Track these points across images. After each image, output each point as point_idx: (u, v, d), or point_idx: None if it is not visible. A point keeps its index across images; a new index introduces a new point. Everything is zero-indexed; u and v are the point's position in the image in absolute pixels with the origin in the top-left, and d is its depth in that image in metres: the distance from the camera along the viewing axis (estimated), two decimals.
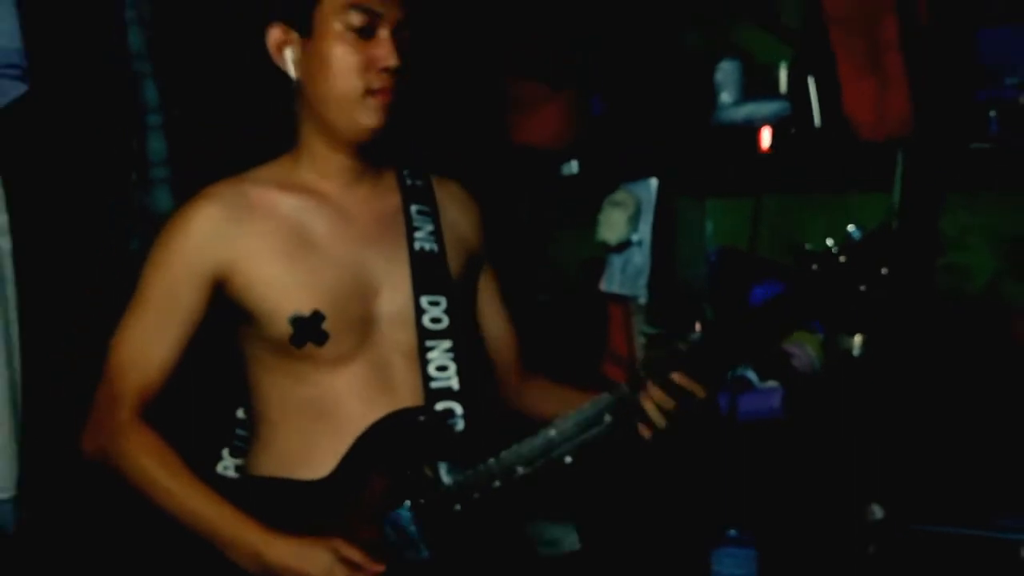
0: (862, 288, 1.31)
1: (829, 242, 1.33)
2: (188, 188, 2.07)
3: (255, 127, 2.17)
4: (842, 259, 1.30)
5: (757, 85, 2.40)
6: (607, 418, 1.40)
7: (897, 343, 2.19)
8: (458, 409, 1.49)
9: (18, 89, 1.85)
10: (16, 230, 1.87)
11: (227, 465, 1.63)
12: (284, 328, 1.46)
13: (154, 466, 1.43)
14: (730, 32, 2.54)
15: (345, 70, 1.45)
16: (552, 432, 1.41)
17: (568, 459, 1.40)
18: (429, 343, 1.51)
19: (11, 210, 1.88)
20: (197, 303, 1.47)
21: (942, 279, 2.33)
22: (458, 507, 1.43)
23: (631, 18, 2.55)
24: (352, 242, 1.52)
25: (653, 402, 1.38)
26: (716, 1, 2.56)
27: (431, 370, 1.50)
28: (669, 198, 2.48)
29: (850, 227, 1.34)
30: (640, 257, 2.44)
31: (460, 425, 1.49)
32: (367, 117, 1.47)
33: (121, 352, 1.48)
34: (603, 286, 2.53)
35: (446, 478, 1.45)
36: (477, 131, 2.50)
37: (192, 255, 1.47)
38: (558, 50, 2.51)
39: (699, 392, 1.38)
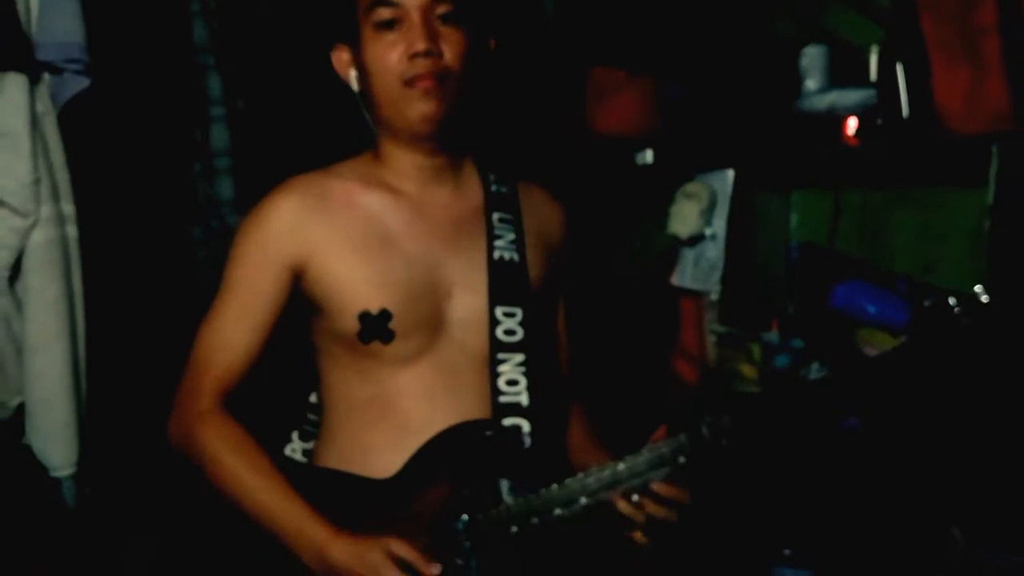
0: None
1: (952, 300, 1.28)
2: (250, 177, 2.15)
3: (316, 118, 2.20)
4: (965, 322, 1.28)
5: (846, 71, 2.26)
6: (681, 459, 1.36)
7: (988, 353, 2.04)
8: (526, 426, 1.46)
9: (81, 83, 1.89)
10: (82, 219, 1.93)
11: (295, 448, 1.65)
12: (352, 324, 1.46)
13: (231, 456, 1.44)
14: (821, 15, 2.39)
15: (383, 68, 1.46)
16: (621, 466, 1.38)
17: (634, 497, 1.38)
18: (501, 355, 1.49)
19: (77, 200, 1.93)
20: (277, 293, 1.48)
21: None
22: (514, 529, 1.40)
23: (717, 2, 2.46)
24: (428, 241, 1.51)
25: None
26: None
27: (500, 383, 1.48)
28: (748, 190, 2.38)
29: (977, 288, 1.28)
30: (714, 251, 2.36)
31: (527, 443, 1.45)
32: (412, 108, 1.46)
33: (205, 342, 1.49)
34: (675, 280, 2.46)
35: (507, 498, 1.43)
36: (552, 119, 2.46)
37: (272, 246, 1.48)
38: (637, 35, 2.44)
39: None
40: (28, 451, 1.94)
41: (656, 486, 1.37)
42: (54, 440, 1.92)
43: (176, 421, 1.50)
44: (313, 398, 1.64)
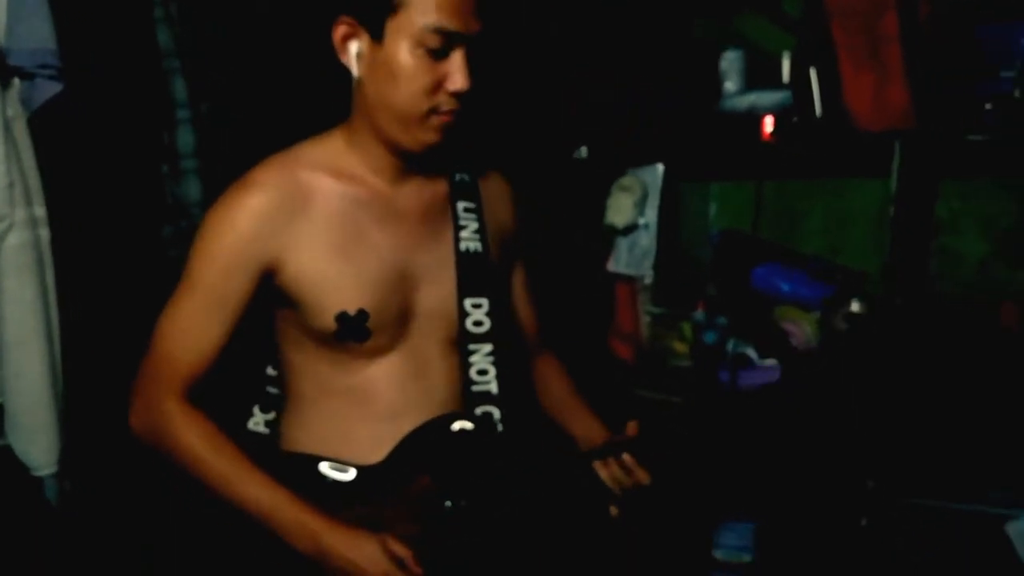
0: None
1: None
2: (216, 178, 2.19)
3: (280, 119, 2.25)
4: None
5: (761, 74, 2.45)
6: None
7: (891, 324, 2.28)
8: (496, 413, 1.52)
9: (53, 89, 1.89)
10: (54, 221, 1.93)
11: (258, 421, 1.64)
12: (329, 323, 1.47)
13: (208, 451, 1.43)
14: (736, 22, 2.57)
15: (414, 88, 1.42)
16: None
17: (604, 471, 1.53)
18: (471, 346, 1.53)
19: (49, 203, 1.94)
20: (246, 291, 1.46)
21: (935, 262, 2.41)
22: (499, 513, 1.47)
23: (642, 7, 2.60)
24: (399, 239, 1.52)
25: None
26: None
27: (472, 374, 1.53)
28: (674, 182, 2.54)
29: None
30: (646, 239, 2.51)
31: (499, 428, 1.52)
32: (427, 135, 1.46)
33: (169, 336, 1.46)
34: (611, 266, 2.60)
35: (488, 484, 1.49)
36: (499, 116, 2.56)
37: (244, 246, 1.44)
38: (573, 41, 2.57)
39: None
40: (8, 451, 1.96)
41: (624, 458, 1.52)
42: (35, 440, 1.92)
43: (141, 414, 1.47)
44: (270, 370, 1.63)
